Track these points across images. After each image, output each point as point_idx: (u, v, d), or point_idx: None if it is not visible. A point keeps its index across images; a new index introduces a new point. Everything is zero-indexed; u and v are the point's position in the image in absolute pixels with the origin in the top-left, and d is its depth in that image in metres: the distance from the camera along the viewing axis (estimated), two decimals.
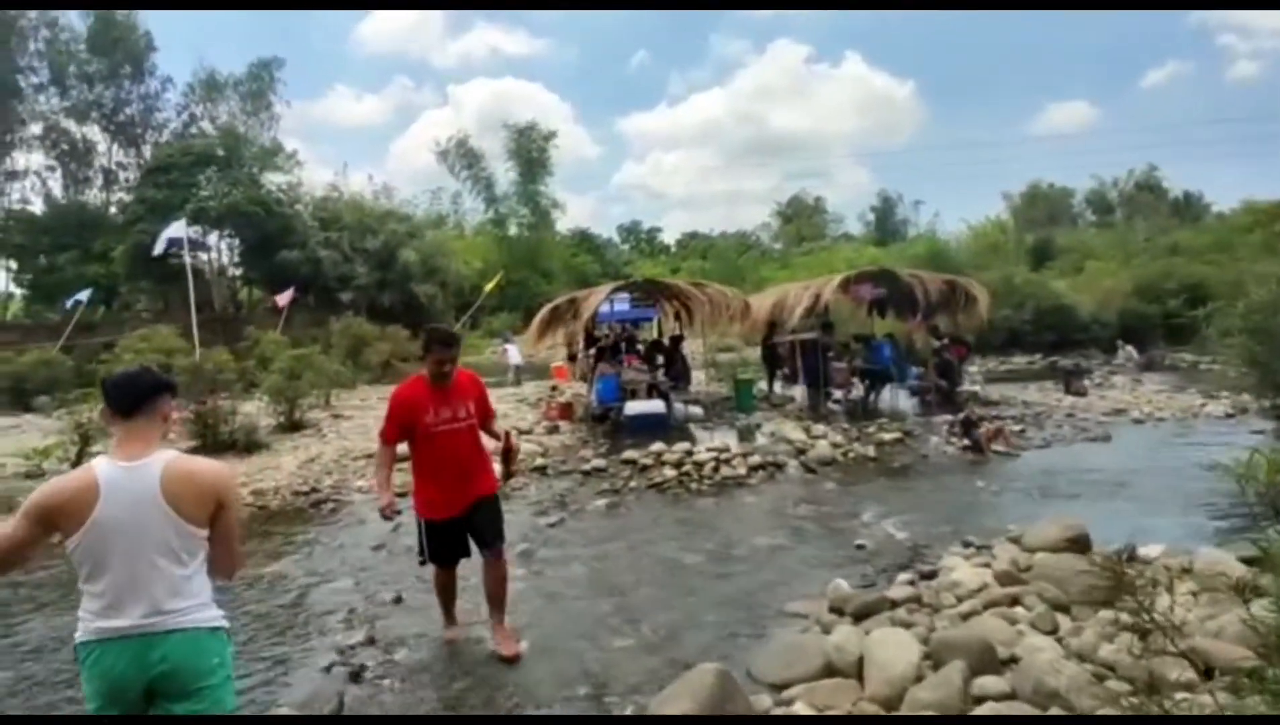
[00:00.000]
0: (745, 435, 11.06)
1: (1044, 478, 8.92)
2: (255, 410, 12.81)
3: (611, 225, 68.90)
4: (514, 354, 21.17)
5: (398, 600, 5.86)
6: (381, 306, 31.04)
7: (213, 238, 34.85)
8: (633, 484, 9.24)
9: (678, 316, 14.96)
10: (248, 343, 17.96)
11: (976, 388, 13.97)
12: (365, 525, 8.09)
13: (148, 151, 36.92)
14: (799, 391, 14.65)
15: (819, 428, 10.86)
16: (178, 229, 18.67)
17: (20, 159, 36.92)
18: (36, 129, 36.69)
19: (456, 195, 44.41)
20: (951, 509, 7.82)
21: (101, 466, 2.36)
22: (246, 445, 11.30)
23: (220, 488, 2.46)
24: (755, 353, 17.76)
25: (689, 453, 9.84)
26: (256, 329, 18.02)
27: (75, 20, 35.35)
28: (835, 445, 10.34)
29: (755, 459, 9.63)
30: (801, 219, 49.77)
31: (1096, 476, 8.88)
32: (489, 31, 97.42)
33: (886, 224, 48.94)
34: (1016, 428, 11.11)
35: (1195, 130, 77.48)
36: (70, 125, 37.11)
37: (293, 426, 12.48)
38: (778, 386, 15.13)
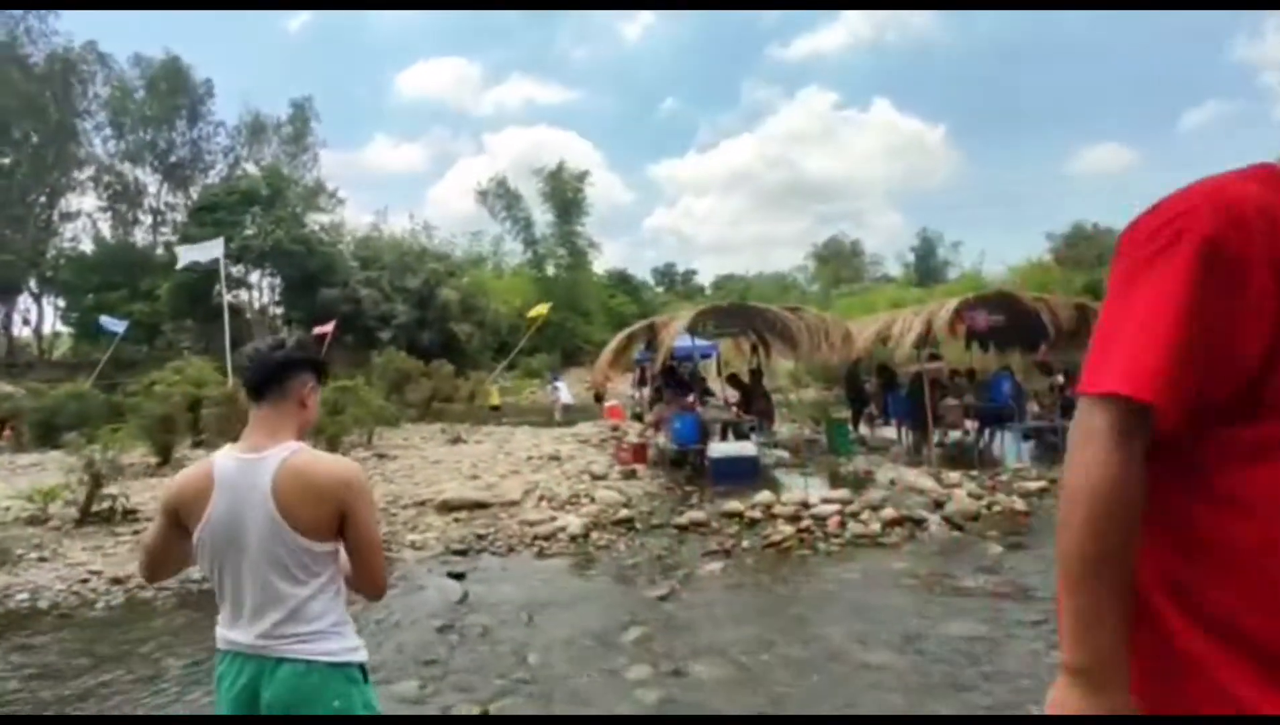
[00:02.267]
0: (855, 484, 9.12)
1: None
2: None
3: (644, 268, 67.48)
4: (564, 393, 19.62)
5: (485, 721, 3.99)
6: (421, 345, 29.57)
7: (254, 276, 33.88)
8: (745, 543, 7.33)
9: (754, 349, 13.14)
10: None
11: None
12: (423, 593, 6.25)
13: (195, 192, 36.28)
14: (888, 431, 12.72)
15: (952, 475, 8.89)
16: (205, 249, 17.31)
17: (74, 201, 36.43)
18: (90, 171, 36.26)
19: (497, 238, 43.33)
20: None
21: (221, 457, 1.99)
22: None
23: (344, 491, 1.91)
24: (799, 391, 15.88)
25: (805, 505, 7.93)
26: None
27: (125, 64, 35.04)
28: (974, 496, 8.37)
29: (889, 513, 7.69)
30: (839, 260, 48.07)
31: None
32: (524, 83, 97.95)
33: (927, 265, 47.05)
34: None
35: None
36: (124, 167, 36.65)
37: None
38: (862, 427, 13.22)
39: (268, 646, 1.91)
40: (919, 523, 7.69)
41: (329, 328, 17.92)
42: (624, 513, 8.17)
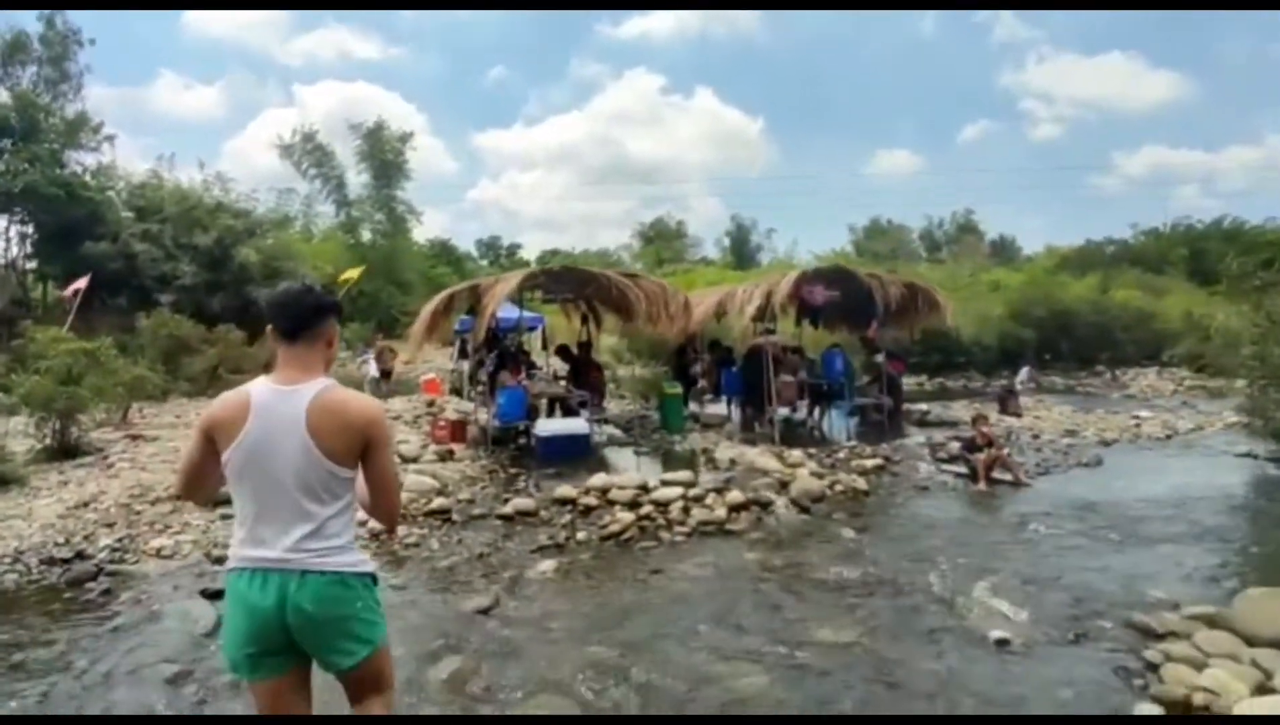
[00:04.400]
0: (693, 465, 8.33)
1: (1080, 514, 6.84)
2: (7, 429, 8.60)
3: (467, 241, 63.62)
4: (372, 366, 17.52)
5: None
6: (212, 310, 25.71)
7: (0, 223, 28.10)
8: (579, 535, 6.23)
9: (585, 319, 12.06)
10: (23, 342, 13.11)
11: (925, 407, 12.07)
12: (157, 624, 4.59)
13: None
14: (720, 407, 12.16)
15: (794, 453, 8.31)
16: None
17: None
18: None
19: (308, 197, 38.89)
20: (1029, 565, 5.47)
21: (258, 387, 2.17)
22: None
23: (370, 425, 2.14)
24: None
25: (645, 489, 6.97)
26: (35, 326, 13.12)
27: None
28: (816, 475, 7.83)
29: (735, 496, 6.91)
30: (662, 241, 48.16)
31: (1135, 510, 6.90)
32: (339, 32, 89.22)
33: (742, 250, 48.27)
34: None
35: (1005, 182, 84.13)
36: None
37: (65, 452, 8.36)
38: (692, 404, 12.57)
39: (295, 559, 2.09)
40: (765, 506, 6.98)
41: (81, 283, 14.64)
42: (438, 502, 6.81)
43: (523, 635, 4.37)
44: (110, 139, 28.82)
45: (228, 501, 6.15)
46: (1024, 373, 19.17)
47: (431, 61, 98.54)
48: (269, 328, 2.21)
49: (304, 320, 2.17)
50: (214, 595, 4.99)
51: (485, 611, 4.71)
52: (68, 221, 25.71)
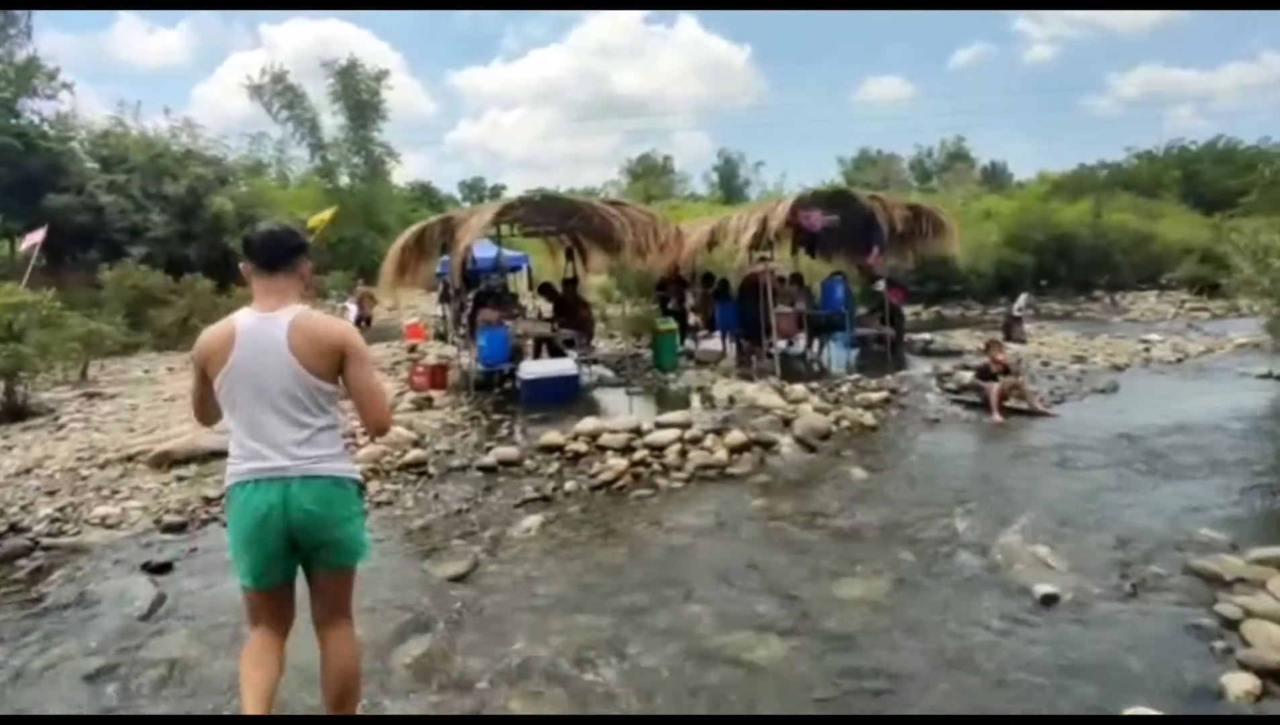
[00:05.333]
0: (689, 402, 7.74)
1: (1105, 445, 6.31)
2: None
3: (449, 184, 61.41)
4: (352, 312, 16.80)
5: None
6: (186, 261, 24.68)
7: None
8: (568, 486, 5.66)
9: (570, 255, 11.30)
10: None
11: (927, 336, 11.48)
12: (91, 608, 4.00)
13: None
14: (714, 342, 11.53)
15: (795, 388, 7.72)
16: None
17: None
18: None
19: (281, 142, 37.22)
20: (1061, 503, 4.94)
21: (241, 316, 2.37)
22: None
23: (342, 341, 2.37)
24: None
25: (638, 432, 6.39)
26: None
27: None
28: (820, 411, 7.26)
29: (735, 437, 6.33)
30: (650, 177, 46.75)
31: (1163, 439, 6.38)
32: None
33: (730, 184, 46.98)
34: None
35: (997, 107, 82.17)
36: None
37: (11, 413, 7.68)
38: (685, 340, 11.92)
39: (294, 466, 2.30)
40: (768, 446, 6.41)
41: (38, 236, 13.70)
42: (414, 453, 6.20)
43: (503, 605, 3.81)
44: (69, 86, 27.22)
45: (184, 461, 5.47)
46: (1022, 299, 18.49)
47: None
48: (247, 263, 2.40)
49: (285, 255, 2.41)
50: (158, 569, 4.42)
51: (461, 578, 4.15)
52: (26, 173, 24.44)
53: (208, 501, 5.43)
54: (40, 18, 29.01)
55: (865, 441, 6.77)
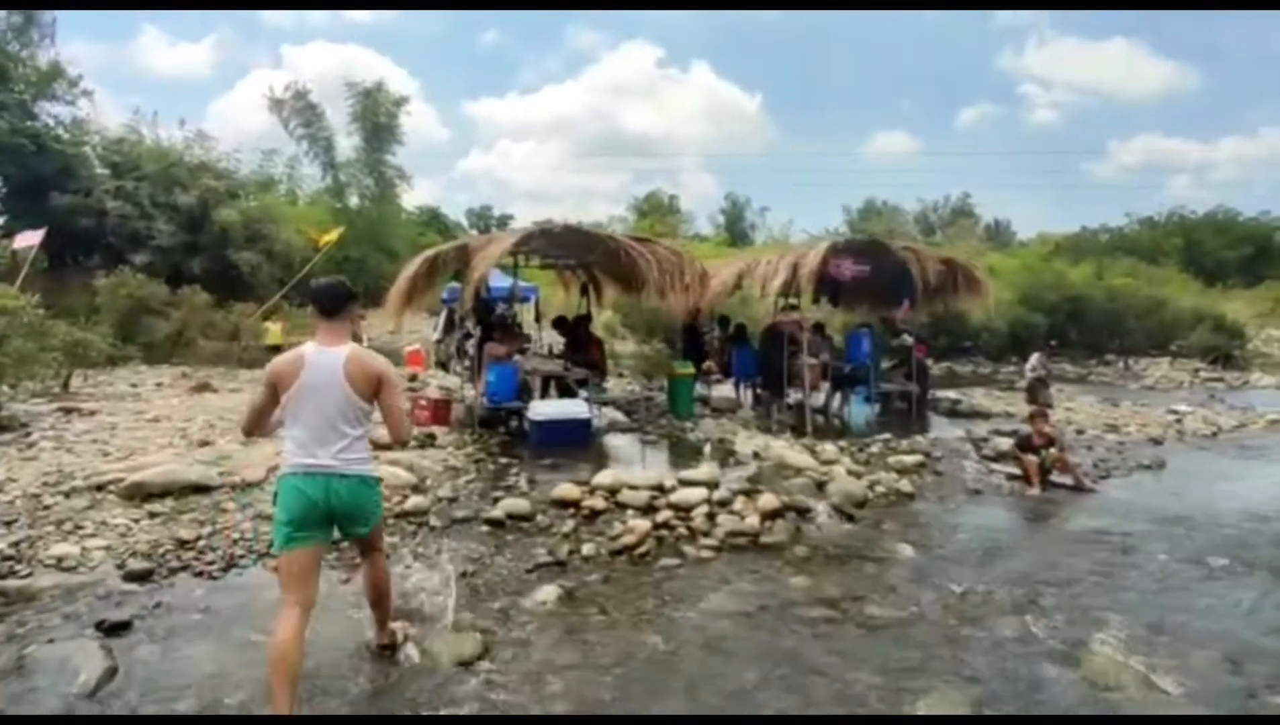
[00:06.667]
0: (711, 456, 7.13)
1: (1168, 530, 5.71)
2: None
3: (457, 211, 61.02)
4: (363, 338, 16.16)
5: None
6: (189, 273, 24.13)
7: None
8: (585, 549, 5.01)
9: (584, 290, 10.76)
10: None
11: (953, 395, 10.93)
12: (24, 679, 3.33)
13: None
14: (727, 389, 10.95)
15: (827, 448, 7.13)
16: None
17: None
18: None
19: (293, 159, 36.83)
20: (1144, 603, 4.33)
21: (309, 349, 3.10)
22: None
23: (381, 373, 3.11)
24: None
25: (661, 490, 5.77)
26: None
27: None
28: (853, 474, 6.66)
29: (768, 501, 5.71)
30: (656, 215, 46.59)
31: (1231, 526, 5.80)
32: None
33: (735, 226, 46.83)
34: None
35: (1001, 166, 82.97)
36: None
37: None
38: (698, 386, 11.34)
39: (337, 465, 3.03)
40: (804, 513, 5.79)
41: (34, 238, 13.09)
42: (414, 501, 5.56)
43: (515, 706, 3.16)
44: (88, 94, 26.91)
45: (160, 495, 5.29)
46: (1034, 359, 17.85)
47: (424, 25, 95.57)
48: (313, 307, 3.23)
49: (341, 304, 3.17)
50: (114, 630, 3.75)
51: (468, 664, 3.50)
52: (36, 174, 24.02)
53: (181, 544, 4.77)
54: (67, 24, 28.75)
55: (905, 512, 6.15)
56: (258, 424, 3.22)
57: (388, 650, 3.47)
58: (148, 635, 3.75)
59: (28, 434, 7.10)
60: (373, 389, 3.05)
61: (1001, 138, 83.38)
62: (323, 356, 3.03)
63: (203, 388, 10.24)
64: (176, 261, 24.54)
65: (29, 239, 13.42)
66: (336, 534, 3.22)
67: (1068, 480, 6.96)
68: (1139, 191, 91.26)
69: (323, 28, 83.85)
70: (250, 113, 64.40)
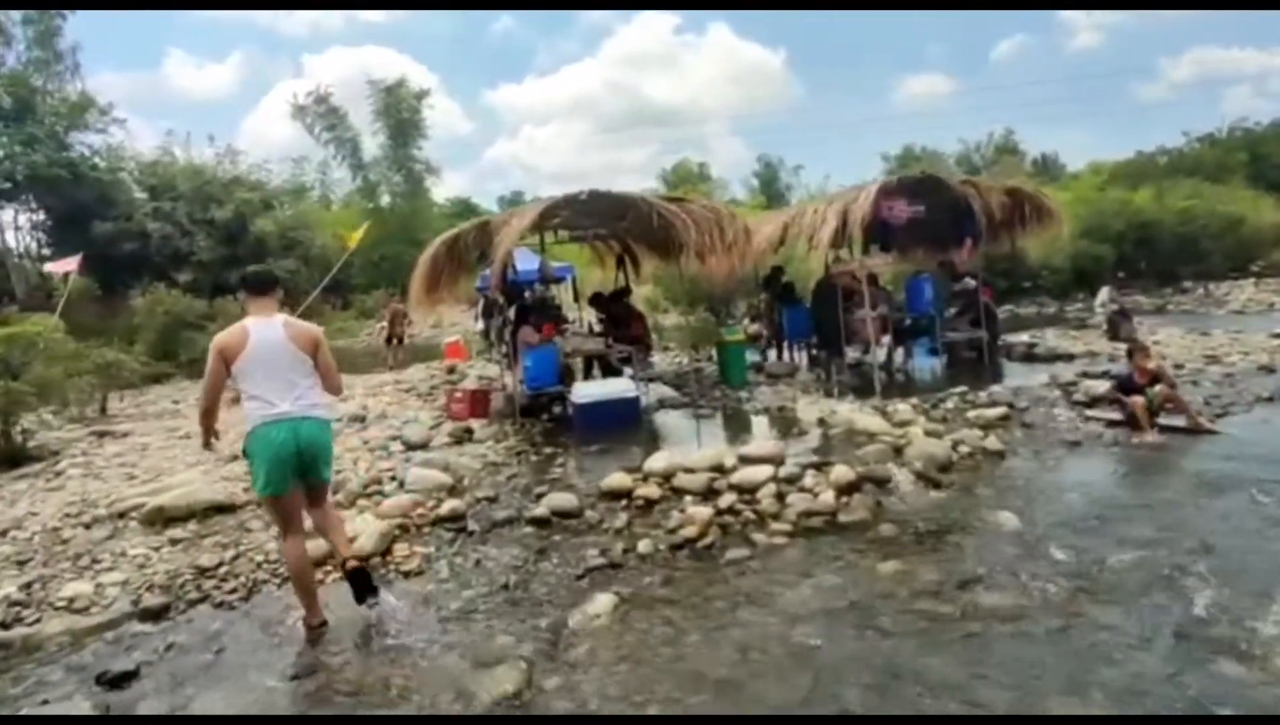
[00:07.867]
0: (772, 428, 6.46)
1: None
2: None
3: (489, 201, 60.54)
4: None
5: None
6: (230, 285, 24.19)
7: (8, 213, 26.88)
8: (641, 546, 4.41)
9: (620, 262, 10.12)
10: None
11: (1026, 338, 10.01)
12: None
13: None
14: (772, 354, 10.21)
15: (899, 408, 6.39)
16: None
17: None
18: None
19: (322, 164, 36.82)
20: None
21: (250, 322, 3.60)
22: None
23: (316, 335, 3.73)
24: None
25: (721, 470, 5.14)
26: (18, 312, 11.52)
27: None
28: (931, 434, 5.91)
29: (841, 473, 5.02)
30: (687, 184, 45.46)
31: None
32: None
33: (771, 188, 45.39)
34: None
35: (1045, 97, 78.41)
36: None
37: (7, 458, 6.75)
38: (751, 352, 10.60)
39: (297, 411, 3.53)
40: (882, 483, 5.10)
41: (71, 264, 13.00)
42: (450, 504, 5.02)
43: None
44: (121, 122, 27.10)
45: (182, 519, 5.12)
46: (1104, 294, 16.78)
47: (437, 20, 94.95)
48: (244, 290, 3.78)
49: (270, 284, 3.81)
50: (117, 682, 3.30)
51: (513, 698, 2.95)
52: (76, 204, 24.36)
53: (201, 572, 4.33)
54: (93, 56, 29.05)
55: (998, 473, 5.40)
56: (214, 397, 3.67)
57: (355, 561, 3.68)
58: (154, 686, 3.29)
59: (57, 462, 6.81)
60: (311, 348, 3.63)
61: (1042, 68, 79.08)
62: (263, 325, 3.58)
63: (239, 399, 9.89)
64: (217, 275, 24.68)
65: (65, 265, 13.35)
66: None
67: (1180, 421, 6.08)
68: (1195, 108, 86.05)
69: (339, 32, 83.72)
70: (277, 124, 64.99)
